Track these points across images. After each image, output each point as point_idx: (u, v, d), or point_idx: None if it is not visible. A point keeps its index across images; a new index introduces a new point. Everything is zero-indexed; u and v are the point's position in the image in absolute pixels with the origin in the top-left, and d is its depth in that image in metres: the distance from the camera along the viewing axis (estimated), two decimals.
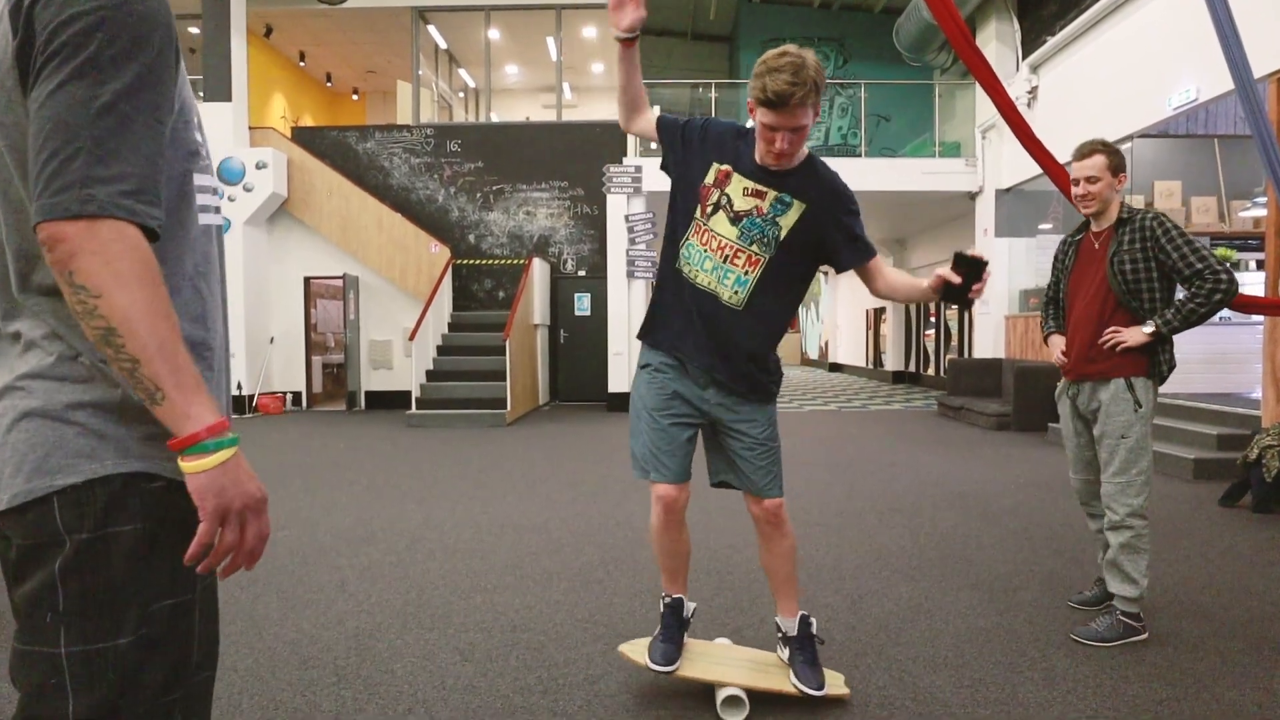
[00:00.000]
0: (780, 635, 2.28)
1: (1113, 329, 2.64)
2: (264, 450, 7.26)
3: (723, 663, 2.27)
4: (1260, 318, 5.98)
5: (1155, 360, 2.64)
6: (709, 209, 2.10)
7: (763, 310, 2.11)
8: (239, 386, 10.62)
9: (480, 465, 6.27)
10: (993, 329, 9.98)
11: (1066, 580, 3.25)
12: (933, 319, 14.41)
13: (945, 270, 1.95)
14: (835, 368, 20.93)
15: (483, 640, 2.66)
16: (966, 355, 12.19)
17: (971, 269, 1.92)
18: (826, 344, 22.00)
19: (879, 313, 17.04)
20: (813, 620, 2.25)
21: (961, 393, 9.45)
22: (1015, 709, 2.15)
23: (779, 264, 2.09)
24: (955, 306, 1.98)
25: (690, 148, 2.16)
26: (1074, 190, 2.72)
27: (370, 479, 5.67)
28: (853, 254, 2.14)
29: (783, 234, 2.08)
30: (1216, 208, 9.05)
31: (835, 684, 2.22)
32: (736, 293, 2.09)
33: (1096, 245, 2.73)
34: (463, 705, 2.20)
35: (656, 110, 2.25)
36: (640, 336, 2.26)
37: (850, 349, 19.74)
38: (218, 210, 1.08)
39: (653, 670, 2.16)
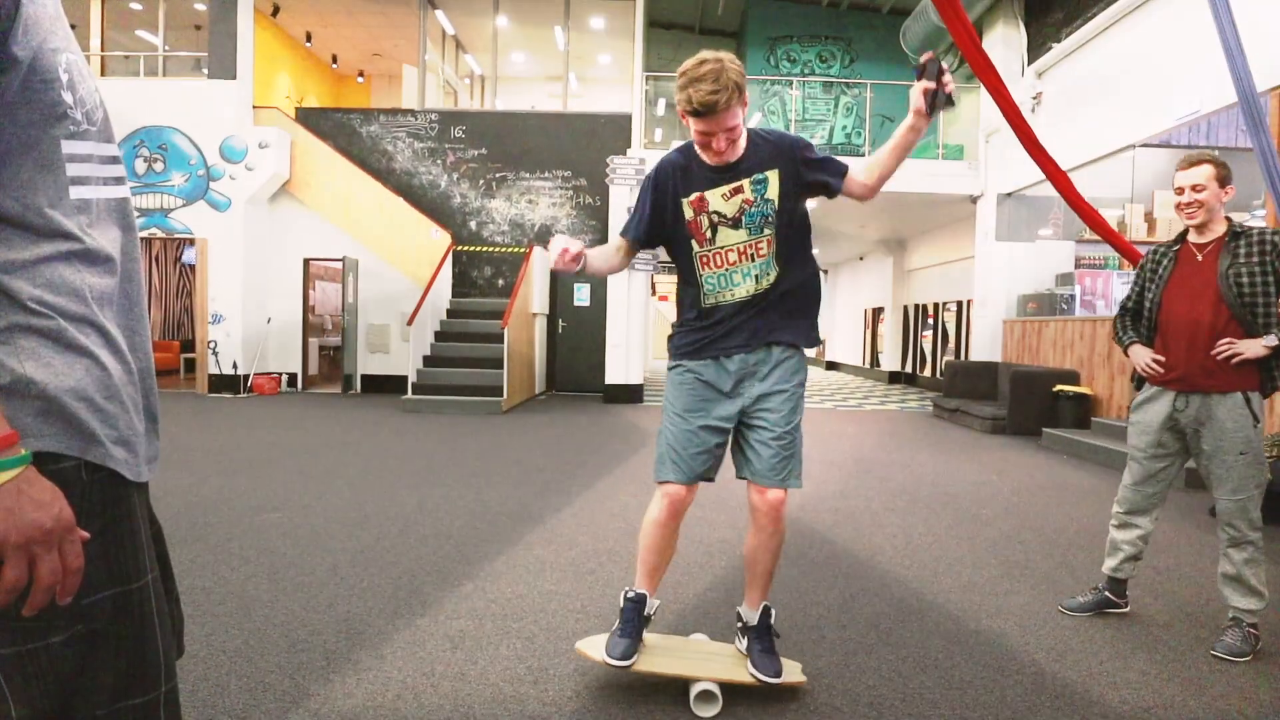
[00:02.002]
0: (740, 625, 2.31)
1: (1227, 340, 2.58)
2: (258, 431, 7.25)
3: (687, 657, 2.28)
4: None
5: (1270, 374, 2.59)
6: (707, 235, 2.18)
7: (790, 267, 2.20)
8: (235, 366, 10.61)
9: (475, 452, 6.26)
10: (990, 332, 9.99)
11: (1057, 585, 3.27)
12: (930, 320, 14.42)
13: (918, 87, 2.06)
14: (831, 366, 20.96)
15: (473, 628, 2.66)
16: (963, 357, 12.22)
17: (931, 70, 2.06)
18: (823, 342, 22.02)
19: (877, 312, 17.05)
20: (773, 610, 2.28)
21: (957, 395, 9.46)
22: (1004, 712, 2.16)
23: (787, 230, 2.19)
24: (943, 110, 2.10)
25: (657, 210, 2.23)
26: (1178, 199, 2.67)
27: (364, 463, 5.66)
28: (832, 176, 2.21)
29: (777, 204, 2.17)
30: None
31: (792, 673, 2.24)
32: (770, 275, 2.19)
33: (1200, 257, 2.68)
34: (452, 693, 2.20)
35: (616, 238, 2.33)
36: (673, 356, 2.31)
37: (847, 348, 19.77)
38: (119, 180, 0.95)
39: (609, 665, 2.15)
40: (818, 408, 10.87)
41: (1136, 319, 2.90)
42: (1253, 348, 2.54)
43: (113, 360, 0.90)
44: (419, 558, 3.44)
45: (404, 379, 10.04)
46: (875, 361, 17.21)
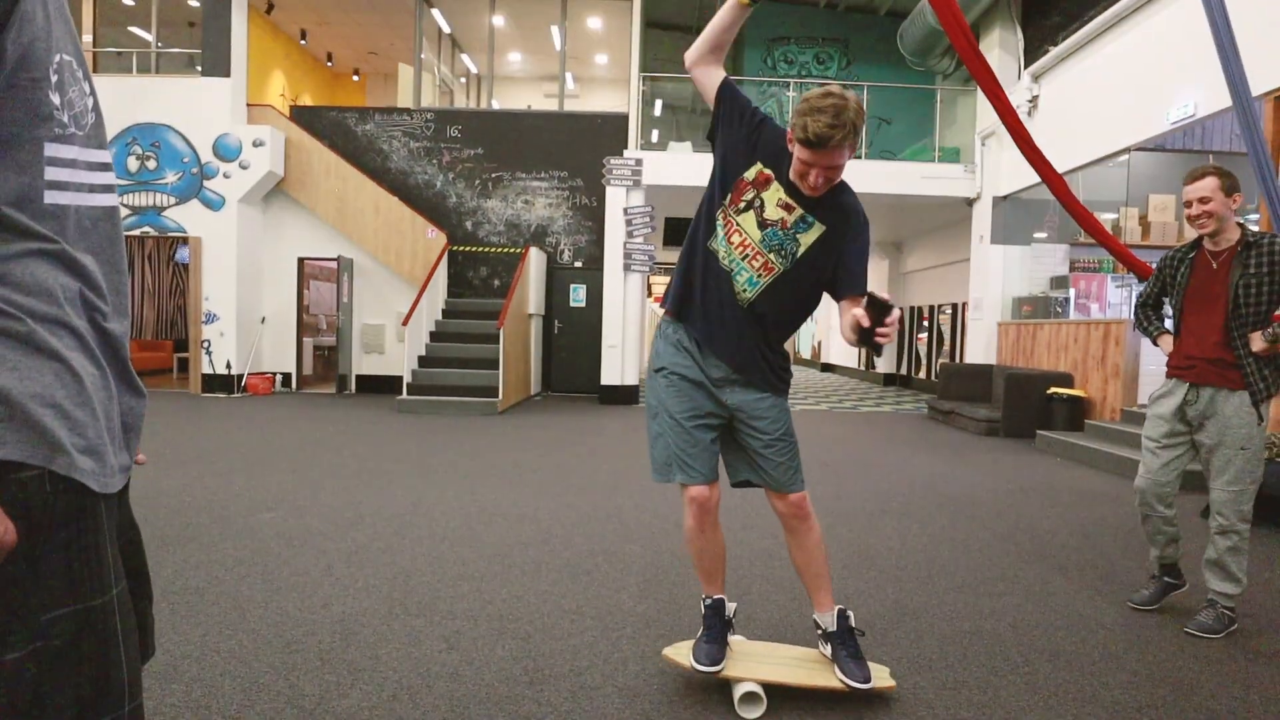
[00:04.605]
0: (820, 631, 2.28)
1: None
2: (252, 431, 7.23)
3: (763, 660, 2.27)
4: None
5: (1260, 379, 2.74)
6: (741, 204, 2.13)
7: (764, 316, 2.16)
8: (228, 365, 10.58)
9: (470, 453, 6.26)
10: (985, 335, 10.02)
11: (1050, 586, 3.28)
12: (925, 323, 14.46)
13: (859, 311, 1.86)
14: (827, 368, 21.00)
15: (469, 628, 2.66)
16: (958, 360, 12.25)
17: (880, 312, 1.85)
18: (819, 344, 22.05)
19: None
20: (850, 613, 2.25)
21: (952, 397, 9.49)
22: (997, 712, 2.17)
23: (790, 279, 2.12)
24: (865, 347, 1.94)
25: (742, 135, 2.14)
26: (1188, 211, 2.82)
27: (359, 463, 5.65)
28: (848, 287, 2.11)
29: (800, 251, 2.11)
30: None
31: (881, 676, 2.22)
32: (745, 291, 2.13)
33: (1215, 265, 2.83)
34: (447, 693, 2.20)
35: (723, 73, 2.18)
36: (665, 308, 2.26)
37: (842, 350, 19.80)
38: (107, 189, 0.92)
39: (699, 672, 2.15)
40: (813, 409, 10.89)
41: (1155, 310, 3.12)
42: (1255, 342, 2.73)
43: (87, 364, 0.86)
44: (414, 558, 3.43)
45: (399, 379, 10.03)
46: (870, 364, 17.24)
